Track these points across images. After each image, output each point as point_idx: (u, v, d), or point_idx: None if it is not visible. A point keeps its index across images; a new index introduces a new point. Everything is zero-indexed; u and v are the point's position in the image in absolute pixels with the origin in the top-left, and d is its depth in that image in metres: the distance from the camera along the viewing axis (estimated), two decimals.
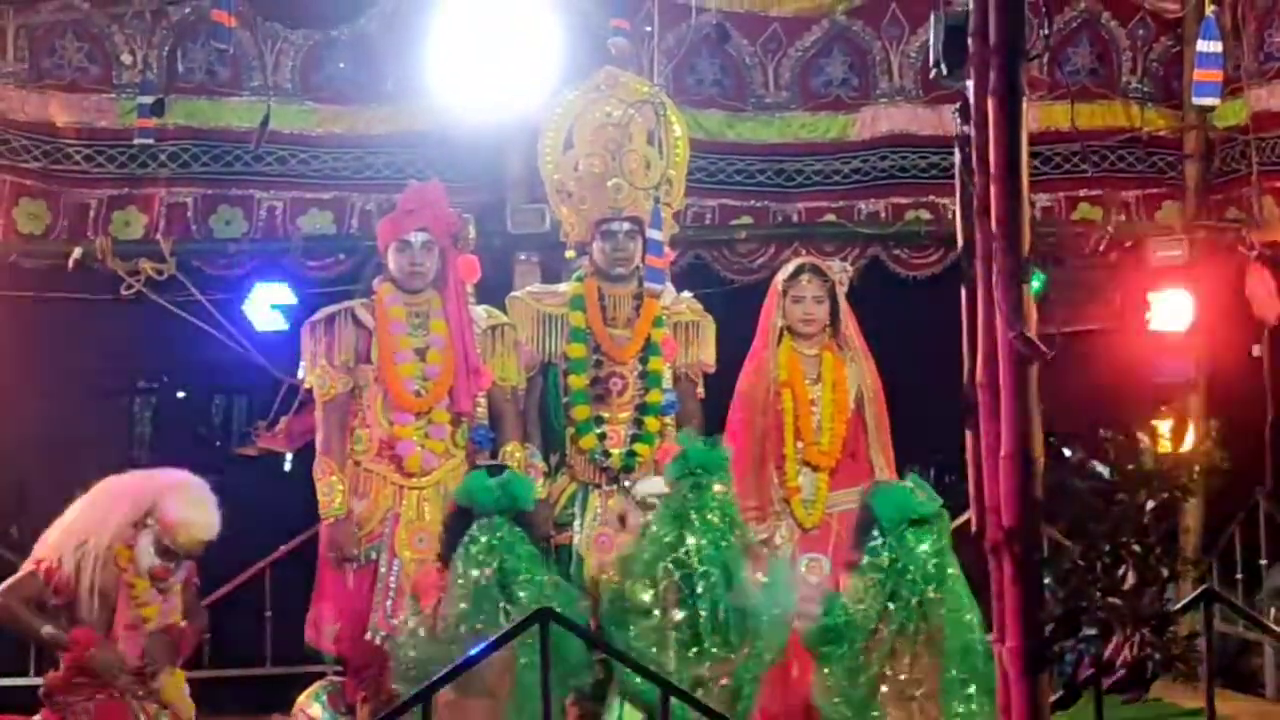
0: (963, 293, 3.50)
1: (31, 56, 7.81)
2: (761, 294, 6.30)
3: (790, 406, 6.06)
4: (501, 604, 5.02)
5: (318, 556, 5.78)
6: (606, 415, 6.01)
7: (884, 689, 5.18)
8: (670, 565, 5.15)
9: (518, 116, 6.69)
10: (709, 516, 5.22)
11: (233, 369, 8.60)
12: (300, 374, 5.94)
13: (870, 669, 5.18)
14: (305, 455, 6.30)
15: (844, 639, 5.24)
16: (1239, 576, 8.00)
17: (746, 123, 8.38)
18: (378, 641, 5.55)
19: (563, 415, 6.03)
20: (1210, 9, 6.98)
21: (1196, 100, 7.53)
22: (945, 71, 3.60)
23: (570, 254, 6.30)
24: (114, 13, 7.85)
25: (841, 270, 6.41)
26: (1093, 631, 3.37)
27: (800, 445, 6.05)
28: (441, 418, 5.77)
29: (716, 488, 5.26)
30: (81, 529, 5.03)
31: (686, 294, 6.36)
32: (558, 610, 4.70)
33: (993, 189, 3.31)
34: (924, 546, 5.21)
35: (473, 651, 4.67)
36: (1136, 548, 3.34)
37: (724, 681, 5.14)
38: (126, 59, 7.87)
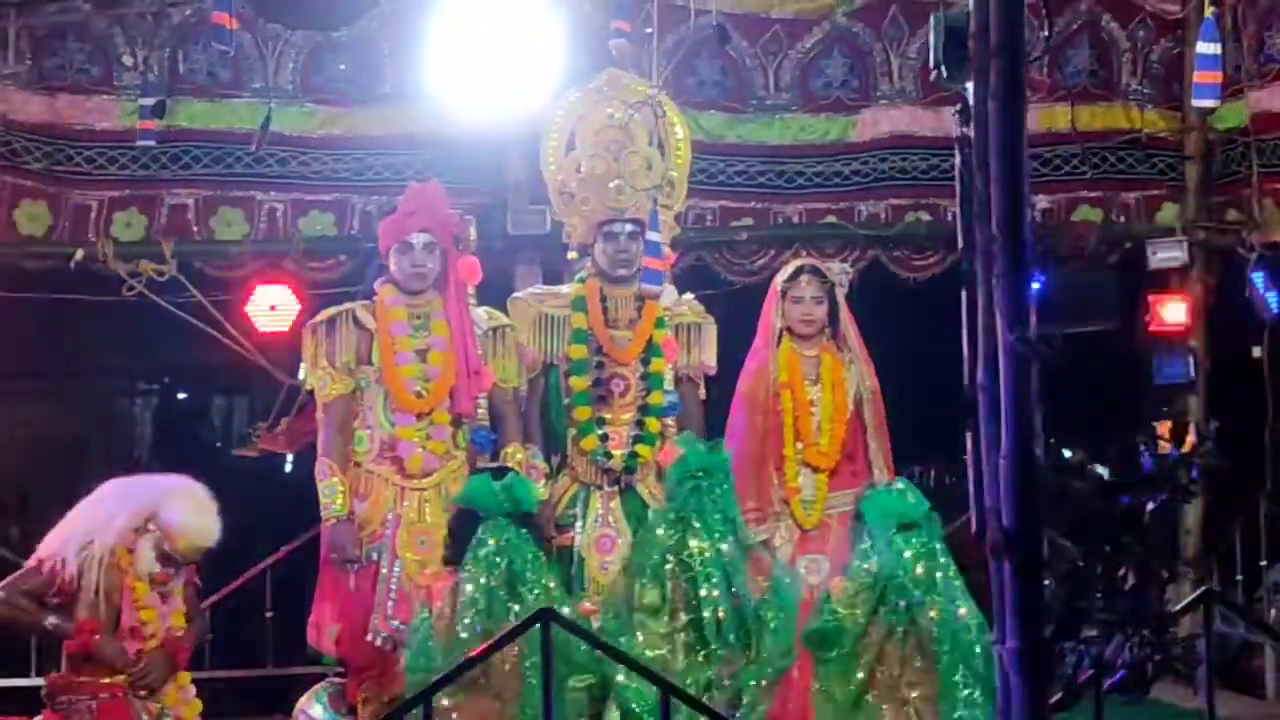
0: (963, 294, 3.51)
1: (33, 58, 7.83)
2: (762, 295, 6.31)
3: (790, 407, 6.06)
4: (510, 605, 5.03)
5: (319, 558, 5.78)
6: (608, 417, 6.01)
7: (874, 691, 5.20)
8: (673, 569, 5.17)
9: (518, 118, 6.70)
10: (711, 519, 5.24)
11: (233, 370, 8.62)
12: (301, 375, 5.94)
13: (859, 672, 5.20)
14: (306, 457, 6.30)
15: (834, 643, 5.26)
16: (1239, 577, 8.01)
17: (747, 124, 8.39)
18: (378, 643, 5.55)
19: (564, 416, 6.03)
20: (1210, 11, 6.98)
21: (1197, 102, 7.50)
22: (945, 73, 3.61)
23: (573, 255, 6.30)
24: (115, 15, 7.86)
25: (842, 272, 6.41)
26: (1093, 632, 3.38)
27: (800, 446, 6.05)
28: (442, 419, 5.77)
29: (717, 491, 5.28)
30: (86, 530, 5.03)
31: (688, 296, 6.36)
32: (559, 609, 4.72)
33: (993, 190, 3.32)
34: (912, 550, 5.23)
35: (474, 652, 4.69)
36: (1136, 549, 3.35)
37: (726, 682, 5.15)
38: (128, 61, 7.88)
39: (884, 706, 5.21)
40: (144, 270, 7.74)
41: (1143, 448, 3.43)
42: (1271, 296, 8.02)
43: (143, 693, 5.01)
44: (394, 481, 5.71)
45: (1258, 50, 8.13)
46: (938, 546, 5.35)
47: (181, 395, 12.20)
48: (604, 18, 7.17)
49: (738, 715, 5.13)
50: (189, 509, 5.10)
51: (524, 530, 5.18)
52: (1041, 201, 8.36)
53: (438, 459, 5.73)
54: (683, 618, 5.15)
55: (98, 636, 4.94)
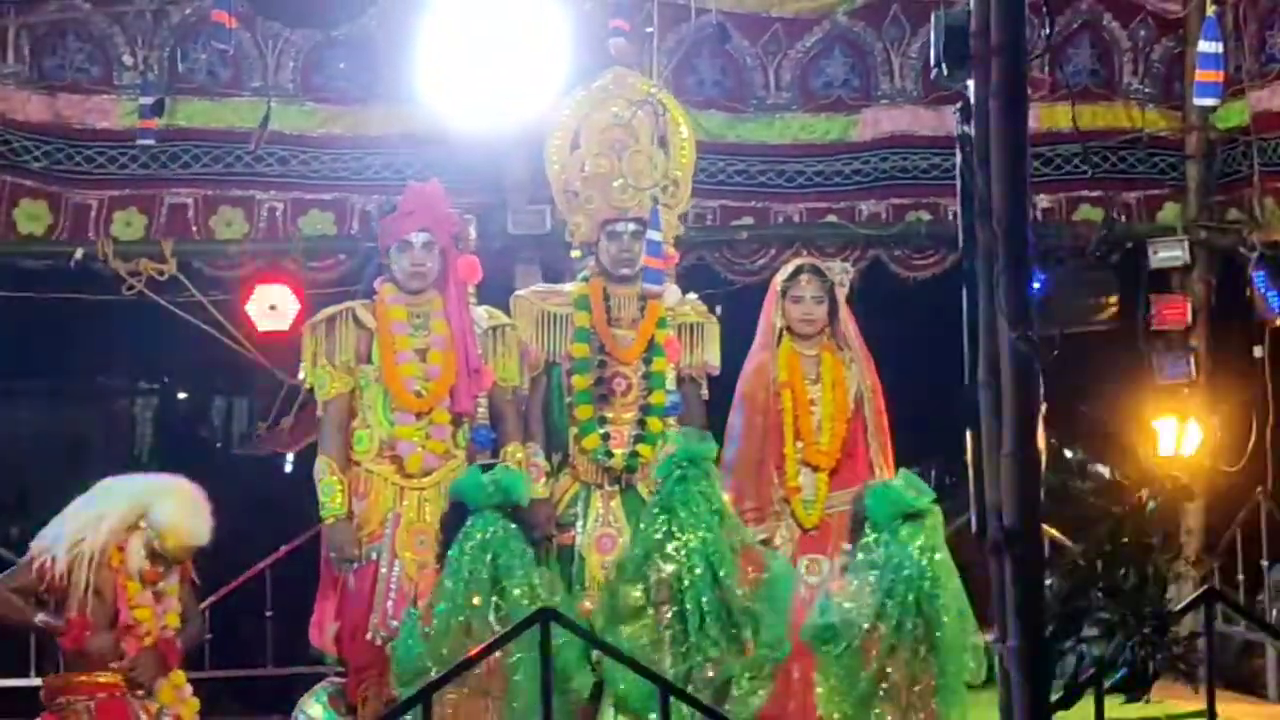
0: (964, 293, 3.51)
1: (33, 57, 7.82)
2: (762, 295, 6.31)
3: (790, 407, 6.06)
4: (493, 599, 5.03)
5: (319, 557, 5.78)
6: (610, 416, 6.01)
7: (884, 686, 5.18)
8: (659, 561, 5.16)
9: (518, 118, 6.69)
10: (694, 509, 5.23)
11: (233, 370, 8.62)
12: (301, 375, 5.94)
13: (870, 667, 5.18)
14: (306, 456, 6.30)
15: (840, 638, 5.24)
16: (1240, 577, 8.00)
17: (747, 124, 8.38)
18: (378, 642, 5.55)
19: (566, 415, 6.02)
20: (1211, 10, 6.97)
21: (1198, 101, 7.52)
22: (946, 72, 3.61)
23: (576, 254, 6.29)
24: (115, 13, 7.86)
25: (843, 271, 6.41)
26: (1094, 632, 3.38)
27: (800, 445, 6.05)
28: (442, 418, 5.76)
29: (703, 481, 5.26)
30: (77, 528, 5.04)
31: (692, 295, 6.36)
32: (555, 608, 4.71)
33: (994, 190, 3.32)
34: (918, 542, 5.21)
35: (473, 652, 4.68)
36: (1137, 548, 3.35)
37: (710, 674, 5.13)
38: (127, 60, 7.88)
39: (896, 702, 5.18)
40: (144, 269, 7.73)
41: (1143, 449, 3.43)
42: (1272, 296, 8.01)
43: (140, 692, 5.01)
44: (393, 481, 5.70)
45: (1259, 49, 8.13)
46: (941, 538, 5.33)
47: (181, 395, 12.20)
48: (604, 17, 7.16)
49: (728, 708, 5.11)
50: (179, 508, 5.11)
51: (513, 525, 5.18)
52: (1042, 201, 8.35)
53: (437, 458, 5.73)
54: (667, 610, 5.15)
55: (88, 633, 4.94)
